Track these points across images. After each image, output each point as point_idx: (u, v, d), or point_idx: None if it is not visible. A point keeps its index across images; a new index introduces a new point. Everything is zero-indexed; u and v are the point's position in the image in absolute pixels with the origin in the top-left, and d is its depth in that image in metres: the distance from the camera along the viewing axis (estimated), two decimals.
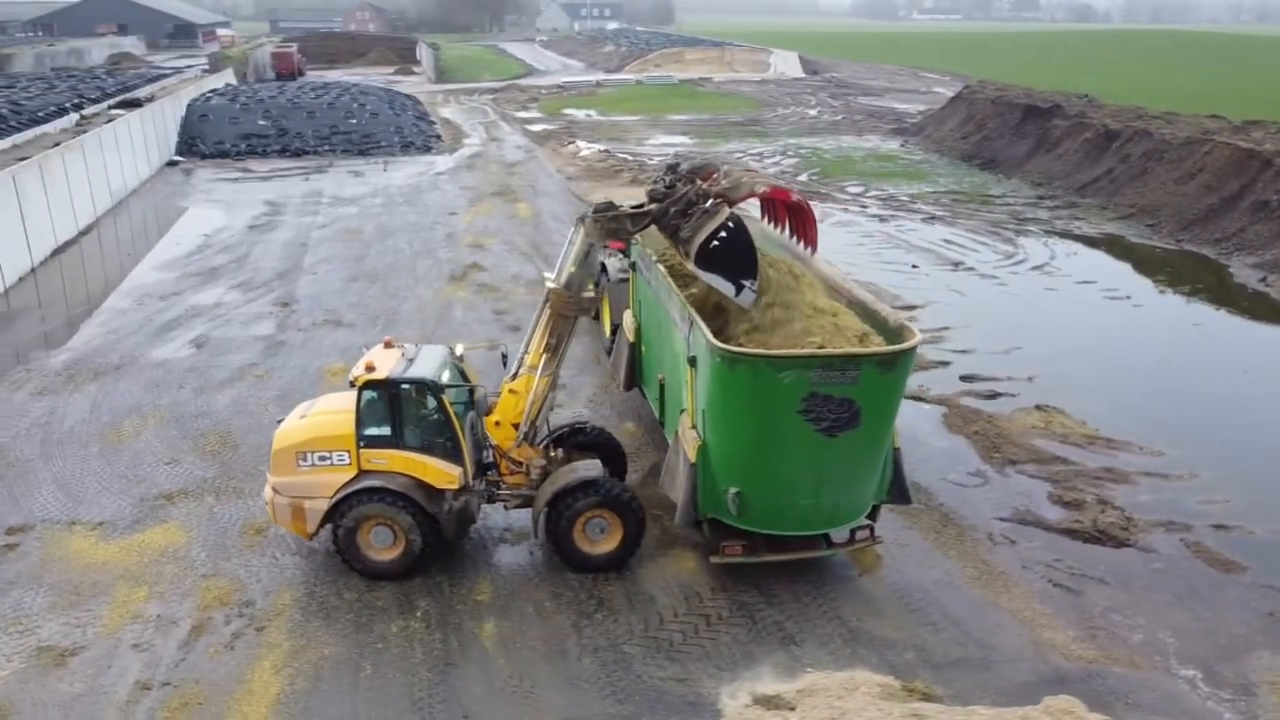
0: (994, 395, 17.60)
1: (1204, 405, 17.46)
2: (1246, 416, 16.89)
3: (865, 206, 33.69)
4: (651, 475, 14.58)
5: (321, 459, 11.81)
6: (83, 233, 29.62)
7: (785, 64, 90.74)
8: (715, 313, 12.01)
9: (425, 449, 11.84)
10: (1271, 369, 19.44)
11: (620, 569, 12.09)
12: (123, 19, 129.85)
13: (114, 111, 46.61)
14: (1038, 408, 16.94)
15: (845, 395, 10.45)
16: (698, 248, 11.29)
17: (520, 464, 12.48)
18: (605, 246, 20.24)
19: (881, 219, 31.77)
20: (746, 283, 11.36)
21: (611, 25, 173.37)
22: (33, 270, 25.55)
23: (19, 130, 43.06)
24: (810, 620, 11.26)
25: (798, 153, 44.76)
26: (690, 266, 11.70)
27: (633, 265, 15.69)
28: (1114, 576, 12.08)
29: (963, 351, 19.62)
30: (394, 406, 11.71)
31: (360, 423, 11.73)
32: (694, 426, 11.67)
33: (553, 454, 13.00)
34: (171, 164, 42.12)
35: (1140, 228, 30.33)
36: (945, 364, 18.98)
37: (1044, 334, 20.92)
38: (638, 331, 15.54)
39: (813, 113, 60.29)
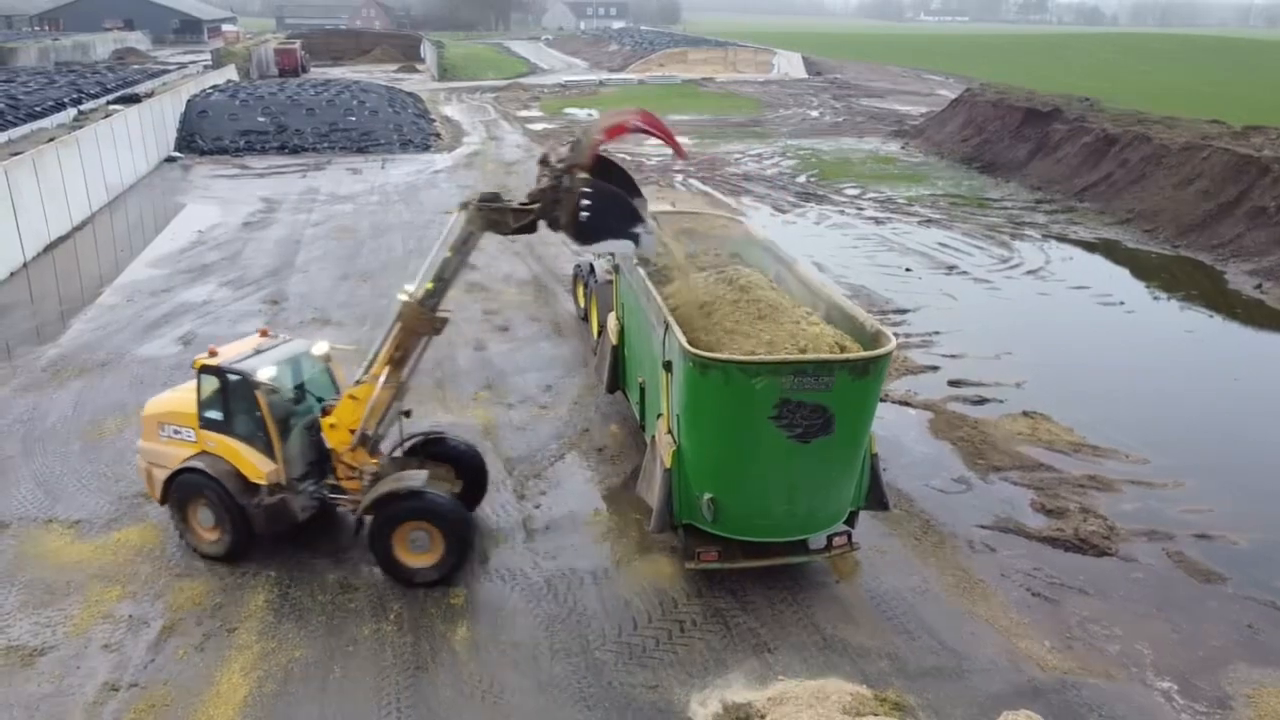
0: (981, 401, 17.50)
1: (1192, 413, 17.35)
2: (1234, 425, 16.77)
3: (862, 209, 33.58)
4: (634, 479, 14.50)
5: (175, 433, 12.32)
6: (77, 228, 29.58)
7: (789, 65, 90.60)
8: (701, 316, 11.89)
9: (249, 440, 11.96)
10: (1262, 377, 19.31)
11: (441, 585, 11.69)
12: (129, 14, 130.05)
13: (112, 107, 46.61)
14: (1025, 414, 16.83)
15: (818, 401, 10.37)
16: (574, 229, 10.92)
17: (354, 470, 12.13)
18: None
19: (878, 221, 31.66)
20: (637, 229, 10.80)
21: (617, 24, 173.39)
22: (25, 265, 25.52)
23: (15, 125, 43.05)
24: (785, 627, 11.18)
25: (797, 154, 44.65)
26: (579, 248, 11.26)
27: (615, 267, 15.61)
28: (1093, 586, 11.98)
29: (952, 356, 19.52)
30: (224, 393, 11.93)
31: (200, 404, 12.06)
32: (669, 431, 11.60)
33: (407, 463, 12.60)
34: (170, 160, 42.11)
35: (1137, 233, 30.21)
36: (934, 369, 18.88)
37: (1035, 339, 20.80)
38: (620, 334, 15.46)
39: (814, 114, 60.16)
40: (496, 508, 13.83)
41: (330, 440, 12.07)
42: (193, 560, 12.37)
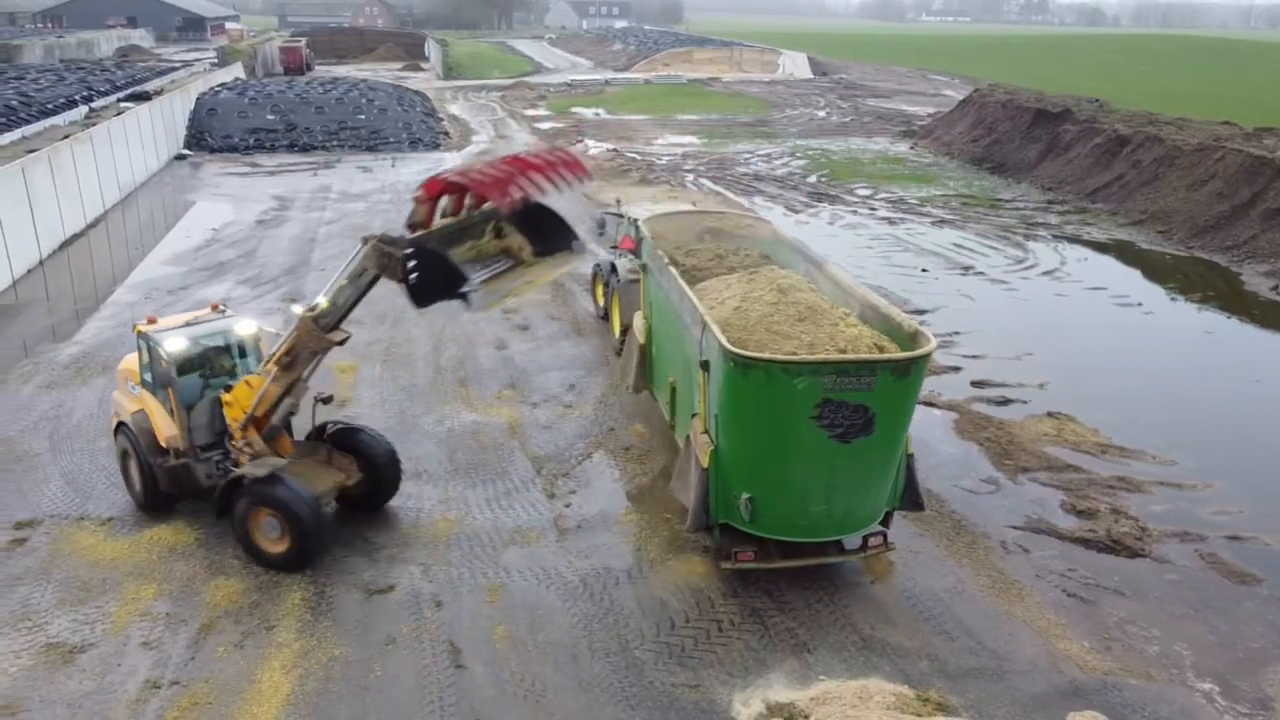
0: (1005, 401, 17.51)
1: (1216, 414, 17.35)
2: (1259, 427, 16.78)
3: (874, 209, 33.59)
4: (662, 477, 14.53)
5: (131, 387, 13.39)
6: (91, 225, 29.58)
7: (794, 65, 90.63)
8: (738, 317, 11.88)
9: (164, 404, 12.84)
10: None
11: (297, 570, 12.00)
12: (132, 11, 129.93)
13: (123, 105, 46.59)
14: (1049, 415, 16.85)
15: (860, 402, 10.38)
16: (408, 295, 10.82)
17: (242, 447, 12.47)
18: (616, 247, 20.38)
19: (891, 222, 31.68)
20: (464, 289, 10.49)
21: (620, 23, 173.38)
22: (40, 263, 25.51)
23: (28, 122, 43.06)
24: (822, 627, 11.19)
25: (806, 154, 44.66)
26: (419, 313, 11.44)
27: (643, 266, 15.60)
28: (1129, 587, 12.00)
29: (973, 357, 19.54)
30: (151, 359, 12.83)
31: (141, 366, 13.08)
32: (706, 431, 11.60)
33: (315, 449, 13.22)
34: (180, 158, 42.11)
35: (1151, 234, 30.23)
36: (956, 369, 18.89)
37: (1055, 340, 20.81)
38: (648, 333, 15.45)
39: (821, 114, 60.18)
40: (527, 506, 13.85)
41: (227, 415, 12.46)
42: (227, 559, 12.37)
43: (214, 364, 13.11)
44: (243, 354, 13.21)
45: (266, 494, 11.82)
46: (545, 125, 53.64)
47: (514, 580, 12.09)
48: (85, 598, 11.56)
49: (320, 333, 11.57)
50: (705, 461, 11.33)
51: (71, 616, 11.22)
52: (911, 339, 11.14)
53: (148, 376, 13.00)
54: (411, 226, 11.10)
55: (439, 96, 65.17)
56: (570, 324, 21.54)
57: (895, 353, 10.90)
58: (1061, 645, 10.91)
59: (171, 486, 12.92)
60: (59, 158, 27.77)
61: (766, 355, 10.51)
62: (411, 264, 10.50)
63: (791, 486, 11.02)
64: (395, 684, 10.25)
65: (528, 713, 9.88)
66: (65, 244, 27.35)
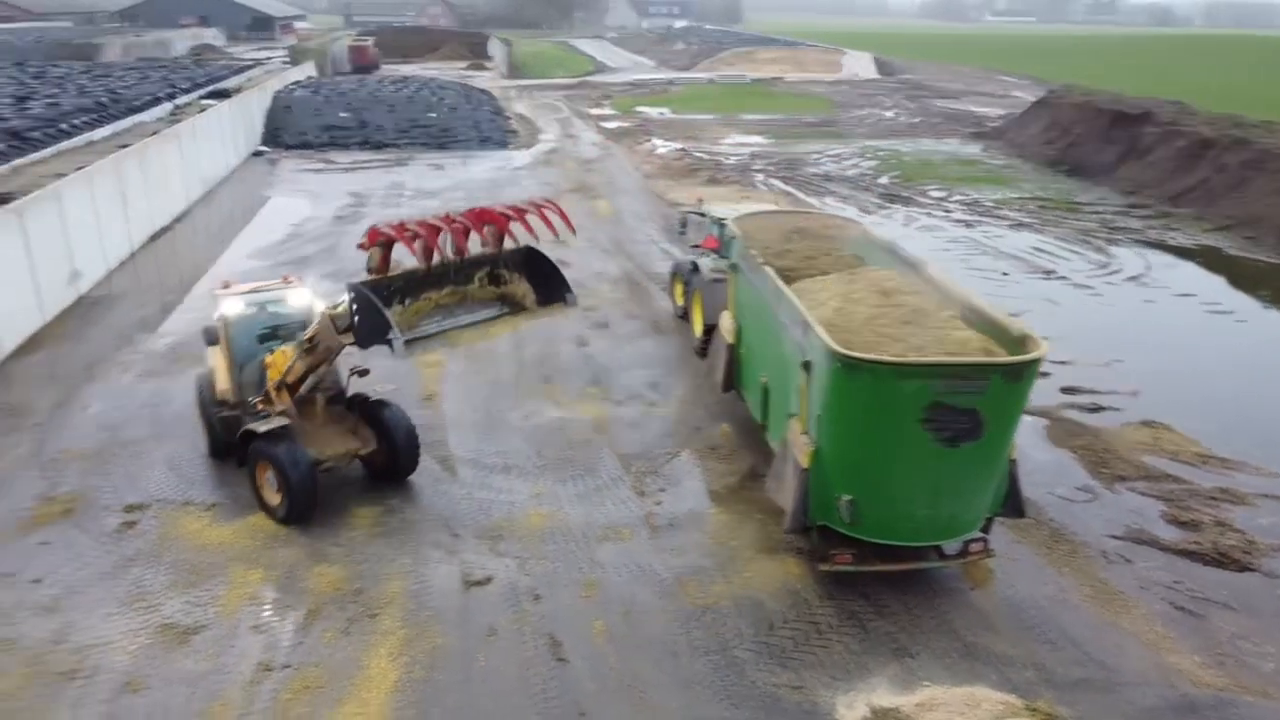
0: (1097, 409, 17.17)
1: None
2: None
3: (949, 211, 33.15)
4: (750, 478, 14.52)
5: (214, 345, 14.66)
6: (177, 219, 30.39)
7: (859, 65, 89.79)
8: (840, 318, 11.82)
9: (225, 359, 14.20)
10: None
11: (291, 525, 12.94)
12: (203, 11, 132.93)
13: (205, 102, 47.79)
14: (1144, 423, 16.48)
15: (970, 406, 10.26)
16: (352, 339, 11.68)
17: (272, 405, 13.50)
18: (698, 246, 20.41)
19: (967, 224, 31.23)
20: (390, 336, 11.04)
21: (679, 23, 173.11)
22: (132, 255, 26.28)
23: (117, 118, 44.44)
24: (923, 633, 11.08)
25: (876, 155, 44.22)
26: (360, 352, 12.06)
27: (733, 266, 15.58)
28: (1239, 601, 11.69)
29: (1061, 363, 19.14)
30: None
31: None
32: (805, 432, 11.56)
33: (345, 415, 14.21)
34: (257, 154, 43.03)
35: (1239, 240, 29.39)
36: (1045, 375, 18.36)
37: (1145, 347, 20.35)
38: (737, 333, 15.43)
39: (889, 114, 59.52)
40: (617, 503, 13.92)
41: (269, 376, 13.52)
42: (327, 546, 12.65)
43: (270, 328, 14.21)
44: (297, 322, 14.11)
45: (267, 450, 12.85)
46: (611, 124, 53.82)
47: (609, 576, 12.16)
48: (195, 580, 11.89)
49: (335, 332, 12.04)
50: (805, 463, 11.29)
51: (183, 598, 11.54)
52: (1020, 343, 10.97)
53: (208, 336, 14.67)
54: (370, 271, 11.94)
55: (504, 95, 65.68)
56: (649, 322, 21.59)
57: (1004, 356, 10.74)
58: (1172, 659, 10.67)
59: (228, 436, 13.89)
60: (148, 153, 28.59)
61: (875, 357, 10.43)
62: (354, 307, 11.32)
63: (895, 490, 10.93)
64: (498, 675, 10.38)
65: (630, 709, 9.94)
66: (154, 237, 28.14)
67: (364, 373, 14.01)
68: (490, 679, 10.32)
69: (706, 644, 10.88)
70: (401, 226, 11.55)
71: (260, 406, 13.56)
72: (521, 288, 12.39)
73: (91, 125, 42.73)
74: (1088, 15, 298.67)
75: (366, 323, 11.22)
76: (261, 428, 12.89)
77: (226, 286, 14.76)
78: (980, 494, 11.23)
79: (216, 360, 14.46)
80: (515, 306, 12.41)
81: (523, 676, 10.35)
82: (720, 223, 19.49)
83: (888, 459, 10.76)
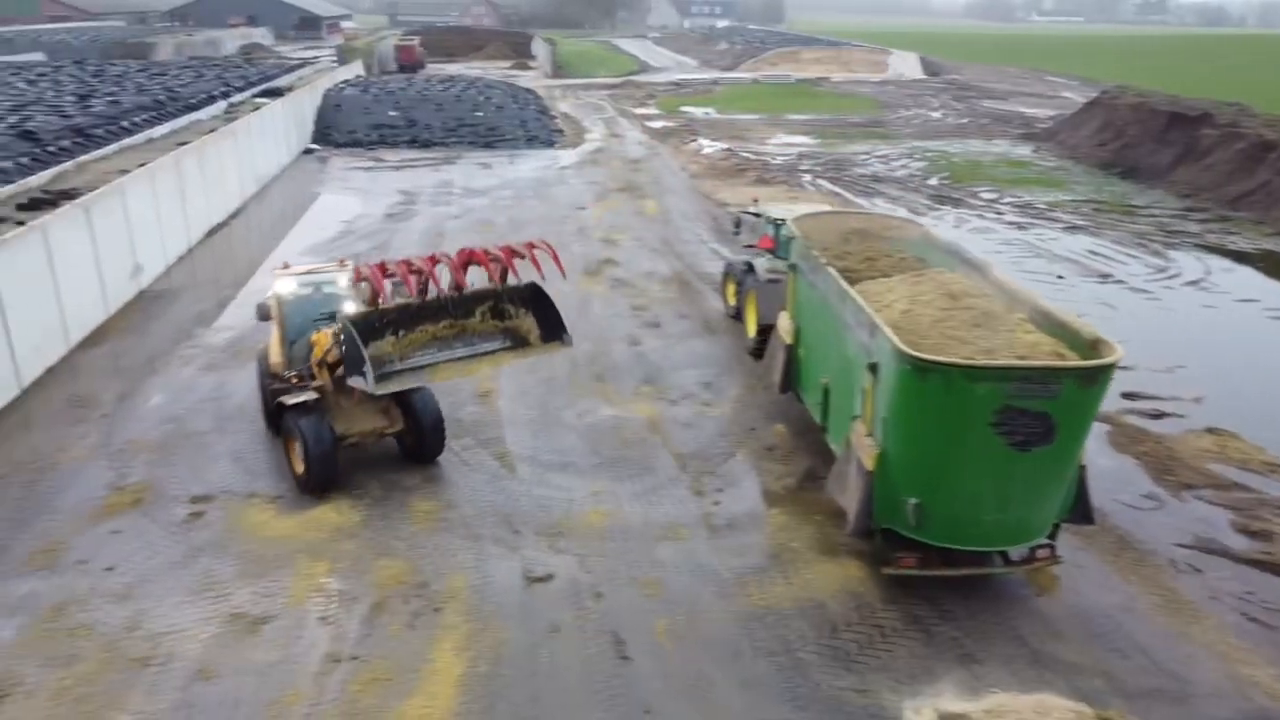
0: (1160, 415, 16.88)
1: None
2: None
3: (1001, 213, 32.75)
4: (807, 480, 14.46)
5: (265, 320, 15.53)
6: (232, 216, 30.89)
7: (904, 65, 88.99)
8: (906, 321, 11.72)
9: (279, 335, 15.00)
10: None
11: (313, 494, 13.58)
12: (251, 10, 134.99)
13: (259, 100, 48.49)
14: (1209, 430, 16.17)
15: (1042, 410, 10.14)
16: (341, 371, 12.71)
17: (313, 377, 14.23)
18: (752, 246, 20.37)
19: (1019, 226, 30.84)
20: (364, 370, 11.78)
21: (721, 22, 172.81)
22: (189, 251, 26.75)
23: (174, 116, 45.30)
24: (989, 639, 10.97)
25: (924, 156, 43.81)
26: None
27: (793, 266, 15.51)
28: None
29: (1122, 368, 18.68)
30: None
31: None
32: (870, 434, 11.49)
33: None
34: (307, 152, 43.59)
35: None
36: None
37: (1207, 353, 19.97)
38: (795, 334, 15.37)
39: (936, 115, 58.94)
40: (675, 502, 13.92)
41: (313, 353, 14.14)
42: (390, 540, 12.79)
43: (320, 307, 14.92)
44: (345, 302, 14.74)
45: (294, 422, 13.49)
46: (656, 124, 53.83)
47: (669, 575, 12.17)
48: (262, 571, 12.07)
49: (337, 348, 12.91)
50: (870, 465, 11.22)
51: (251, 589, 11.72)
52: (1092, 346, 10.84)
53: (260, 312, 15.38)
54: (365, 303, 12.94)
55: (548, 94, 65.93)
56: (700, 322, 21.57)
57: (1077, 360, 10.60)
58: (1246, 671, 10.46)
59: (273, 406, 14.63)
60: (206, 151, 29.08)
61: (946, 359, 10.33)
62: (341, 338, 12.23)
63: (963, 493, 10.83)
64: (563, 671, 10.43)
65: (696, 708, 9.94)
66: (210, 233, 28.62)
67: None
68: (555, 675, 10.37)
69: (769, 645, 10.85)
70: (382, 267, 12.48)
71: (294, 380, 14.26)
72: (527, 322, 13.13)
73: (151, 123, 43.61)
74: (1137, 15, 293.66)
75: (350, 354, 12.05)
76: (291, 400, 13.63)
77: (286, 267, 15.66)
78: (1050, 499, 11.09)
79: (270, 336, 15.40)
80: (519, 341, 13.05)
81: (587, 673, 10.40)
82: (776, 223, 19.48)
83: (957, 462, 10.66)
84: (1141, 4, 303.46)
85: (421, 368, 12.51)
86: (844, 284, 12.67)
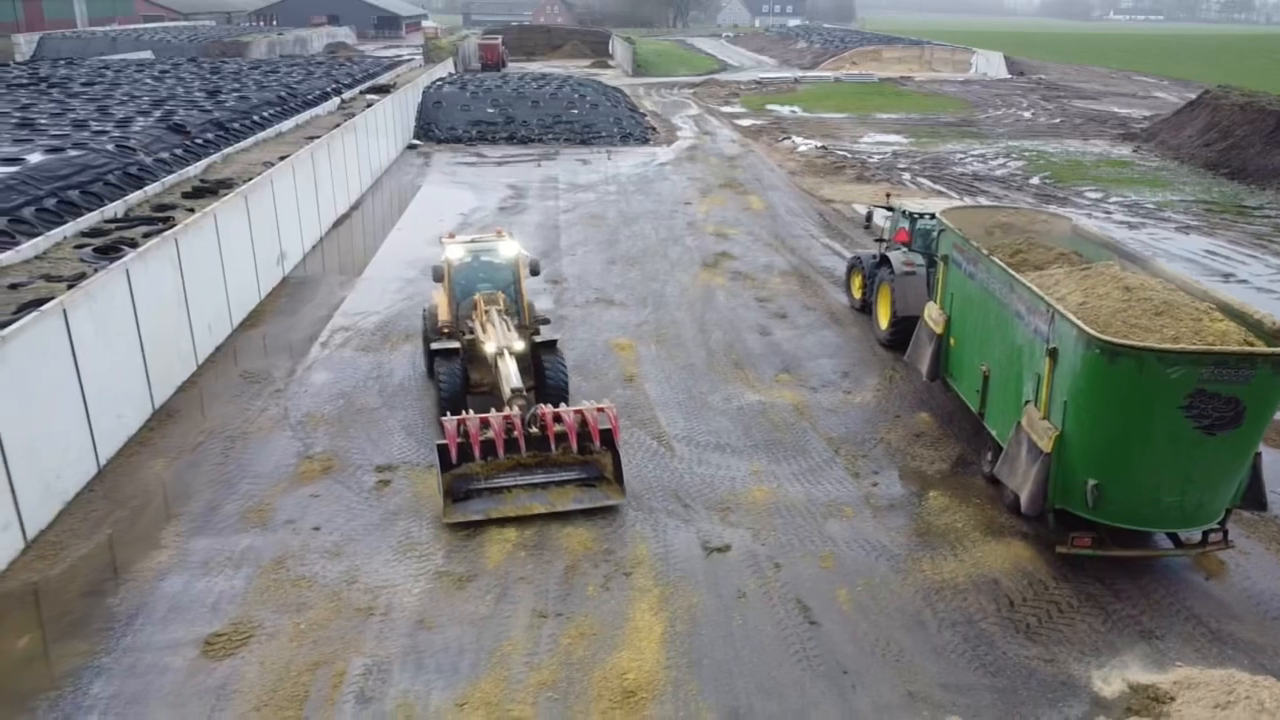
0: None
1: None
2: None
3: (1109, 213, 32.57)
4: (960, 464, 14.87)
5: (439, 281, 17.09)
6: (353, 207, 32.11)
7: (988, 64, 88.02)
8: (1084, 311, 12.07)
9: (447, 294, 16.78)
10: None
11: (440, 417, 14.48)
12: (333, 10, 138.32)
13: (370, 96, 49.97)
14: None
15: (1233, 394, 10.44)
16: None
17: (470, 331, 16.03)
18: (882, 240, 20.75)
19: (1130, 226, 30.67)
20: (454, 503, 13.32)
21: (793, 22, 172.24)
22: (320, 240, 27.95)
23: (296, 112, 47.13)
24: (1166, 617, 11.30)
25: (1021, 155, 43.58)
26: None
27: (944, 258, 15.90)
28: None
29: None
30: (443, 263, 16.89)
31: (436, 266, 16.99)
32: (1046, 417, 11.87)
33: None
34: (411, 147, 44.89)
35: None
36: None
37: None
38: (946, 324, 15.76)
39: (1027, 115, 58.39)
40: (834, 483, 14.44)
41: (475, 313, 15.97)
42: (566, 512, 13.47)
43: (480, 273, 16.74)
44: (506, 268, 16.81)
45: (436, 365, 15.48)
46: (744, 122, 54.26)
47: (842, 549, 12.70)
48: (457, 534, 12.86)
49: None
50: (1048, 447, 11.61)
51: (450, 550, 12.52)
52: (1276, 336, 11.09)
53: (435, 274, 16.90)
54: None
55: (632, 92, 66.71)
56: (825, 314, 22.02)
57: (1267, 348, 10.86)
58: None
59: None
60: (334, 144, 30.30)
61: (1140, 343, 10.69)
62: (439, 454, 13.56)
63: (1145, 475, 11.17)
64: (756, 633, 11.02)
65: (890, 669, 10.46)
66: (337, 223, 29.83)
67: (545, 322, 17.13)
68: (749, 636, 10.96)
69: (951, 616, 11.32)
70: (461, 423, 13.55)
71: (445, 331, 16.31)
72: (607, 458, 13.81)
73: (277, 118, 45.66)
74: (1221, 13, 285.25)
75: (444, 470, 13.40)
76: (437, 345, 15.70)
77: (451, 237, 17.51)
78: (1228, 484, 11.38)
79: (437, 296, 17.33)
80: (597, 475, 13.74)
81: (780, 636, 10.97)
82: (912, 217, 19.87)
83: (1141, 444, 11.00)
84: (1226, 2, 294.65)
85: (501, 489, 13.45)
86: (1015, 274, 13.05)
